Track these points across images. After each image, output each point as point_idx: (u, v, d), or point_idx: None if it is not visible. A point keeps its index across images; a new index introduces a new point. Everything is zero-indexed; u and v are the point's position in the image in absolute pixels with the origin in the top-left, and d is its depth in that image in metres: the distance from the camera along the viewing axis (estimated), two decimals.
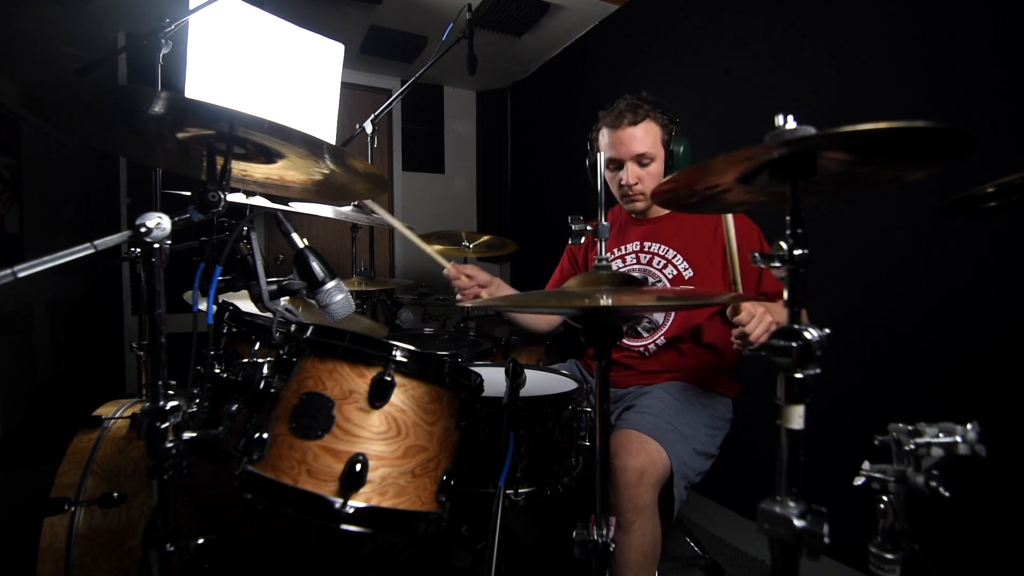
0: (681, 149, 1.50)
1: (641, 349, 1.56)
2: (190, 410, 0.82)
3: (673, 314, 1.55)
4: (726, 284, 1.49)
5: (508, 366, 1.06)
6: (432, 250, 1.48)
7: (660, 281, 1.55)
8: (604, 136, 1.53)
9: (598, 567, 0.83)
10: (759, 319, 1.15)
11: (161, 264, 0.76)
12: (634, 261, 1.61)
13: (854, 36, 1.75)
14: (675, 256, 1.55)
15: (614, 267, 1.57)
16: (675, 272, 1.54)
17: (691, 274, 1.52)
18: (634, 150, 1.48)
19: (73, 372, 4.37)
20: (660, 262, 1.57)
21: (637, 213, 1.63)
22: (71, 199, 4.53)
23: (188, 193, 0.81)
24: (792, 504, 0.63)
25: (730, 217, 1.17)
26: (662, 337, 1.54)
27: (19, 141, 3.62)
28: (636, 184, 1.52)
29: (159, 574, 0.78)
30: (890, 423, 0.67)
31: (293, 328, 0.95)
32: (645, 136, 1.48)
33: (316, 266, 0.98)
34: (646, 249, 1.60)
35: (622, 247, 1.64)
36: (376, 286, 2.11)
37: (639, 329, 1.58)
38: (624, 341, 1.59)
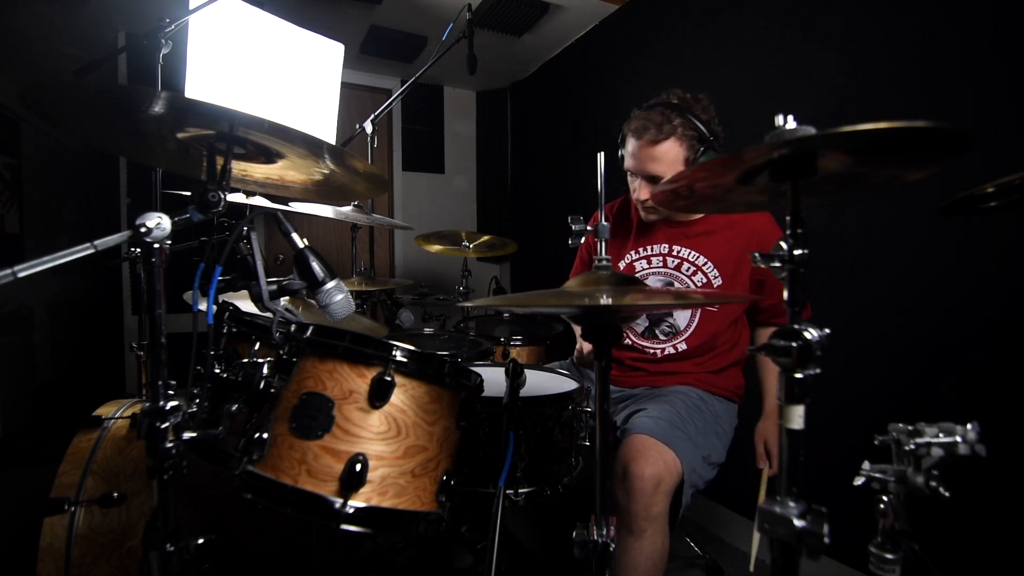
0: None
1: (656, 352, 1.52)
2: (190, 410, 0.82)
3: (697, 320, 1.49)
4: (758, 291, 1.47)
5: (508, 366, 1.06)
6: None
7: (688, 289, 1.47)
8: (628, 142, 1.43)
9: (598, 567, 0.83)
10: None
11: (161, 264, 0.76)
12: (660, 264, 1.52)
13: (854, 36, 1.75)
14: (706, 263, 1.47)
15: (637, 267, 1.56)
16: (704, 280, 1.47)
17: (720, 283, 1.45)
18: (648, 170, 1.39)
19: (73, 372, 4.36)
20: (690, 268, 1.48)
21: (656, 219, 1.54)
22: (71, 199, 4.53)
23: (188, 193, 0.81)
24: (792, 504, 0.63)
25: None
26: (683, 343, 1.49)
27: (19, 141, 3.62)
28: (646, 201, 1.45)
29: (159, 574, 0.78)
30: (890, 423, 0.67)
31: (293, 328, 0.95)
32: (664, 157, 1.36)
33: (316, 266, 0.98)
34: (675, 253, 1.51)
35: (648, 247, 1.54)
36: (376, 286, 2.12)
37: (657, 332, 1.53)
38: (637, 342, 1.55)
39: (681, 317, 1.51)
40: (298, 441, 0.86)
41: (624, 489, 1.19)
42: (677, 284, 1.50)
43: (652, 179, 1.41)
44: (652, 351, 1.53)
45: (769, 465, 1.41)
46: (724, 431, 1.45)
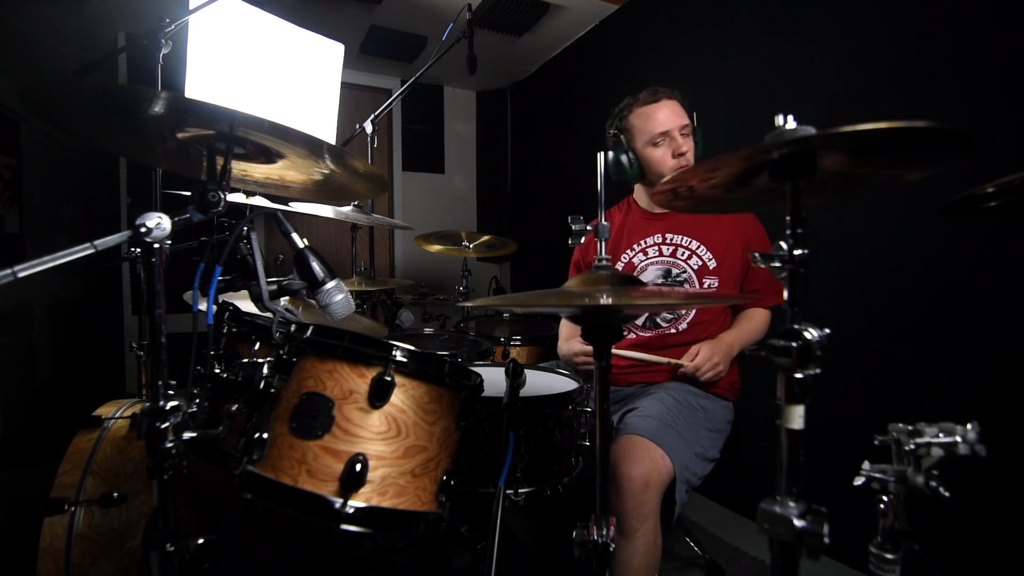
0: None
1: (673, 331, 1.55)
2: (190, 410, 0.82)
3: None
4: (745, 273, 1.54)
5: (508, 366, 1.06)
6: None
7: (685, 272, 1.55)
8: (642, 116, 1.53)
9: (598, 567, 0.83)
10: (708, 368, 1.41)
11: (161, 264, 0.76)
12: (657, 253, 1.60)
13: (854, 36, 1.75)
14: (699, 247, 1.55)
15: (635, 261, 1.61)
16: (700, 263, 1.54)
17: (715, 264, 1.53)
18: (677, 121, 1.51)
19: (73, 372, 4.36)
20: (684, 253, 1.56)
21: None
22: (71, 199, 4.52)
23: (188, 193, 0.81)
24: (792, 504, 0.63)
25: None
26: (684, 322, 1.55)
27: (19, 141, 3.61)
28: (688, 152, 1.52)
29: (159, 574, 0.78)
30: (890, 423, 0.67)
31: (293, 328, 0.95)
32: (682, 109, 1.52)
33: (316, 266, 0.98)
34: (668, 241, 1.59)
35: (643, 240, 1.62)
36: (376, 286, 2.11)
37: (658, 320, 1.57)
38: (642, 335, 1.57)
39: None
40: (298, 441, 0.86)
41: (614, 490, 1.20)
42: (675, 269, 1.57)
43: (682, 129, 1.51)
44: (669, 332, 1.56)
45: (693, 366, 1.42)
46: (716, 427, 1.46)
